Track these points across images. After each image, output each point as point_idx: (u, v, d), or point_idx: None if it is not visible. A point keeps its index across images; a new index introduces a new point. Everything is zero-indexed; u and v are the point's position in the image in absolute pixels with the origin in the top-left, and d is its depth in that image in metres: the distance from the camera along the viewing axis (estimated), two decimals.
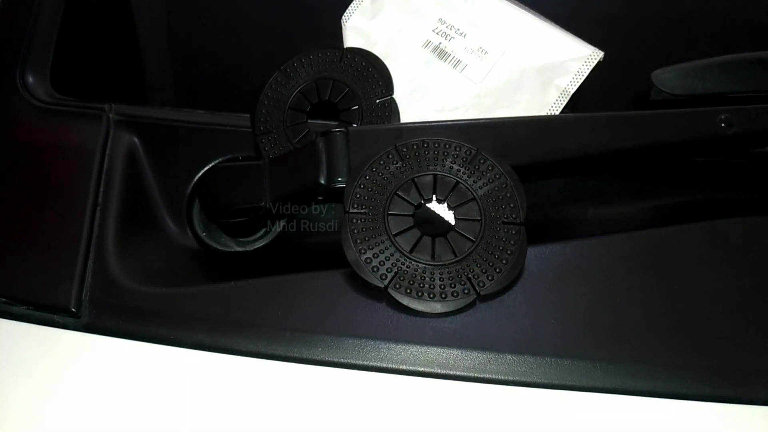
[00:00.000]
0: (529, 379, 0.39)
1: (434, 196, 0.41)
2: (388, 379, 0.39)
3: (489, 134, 0.43)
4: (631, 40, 0.57)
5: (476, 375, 0.39)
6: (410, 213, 0.41)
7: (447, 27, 0.53)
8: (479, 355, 0.39)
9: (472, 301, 0.39)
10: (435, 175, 0.41)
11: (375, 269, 0.39)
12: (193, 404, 0.39)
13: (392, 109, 0.47)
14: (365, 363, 0.39)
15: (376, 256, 0.39)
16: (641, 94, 0.51)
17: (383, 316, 0.40)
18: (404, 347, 0.40)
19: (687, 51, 0.51)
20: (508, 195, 0.41)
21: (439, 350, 0.39)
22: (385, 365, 0.39)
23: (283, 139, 0.46)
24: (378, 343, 0.40)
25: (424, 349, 0.39)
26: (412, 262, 0.39)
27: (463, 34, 0.52)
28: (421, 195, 0.41)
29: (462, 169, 0.41)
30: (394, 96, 0.47)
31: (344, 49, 0.50)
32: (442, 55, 0.52)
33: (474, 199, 0.41)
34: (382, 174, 0.41)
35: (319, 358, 0.40)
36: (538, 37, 0.51)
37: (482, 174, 0.41)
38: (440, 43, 0.52)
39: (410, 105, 0.51)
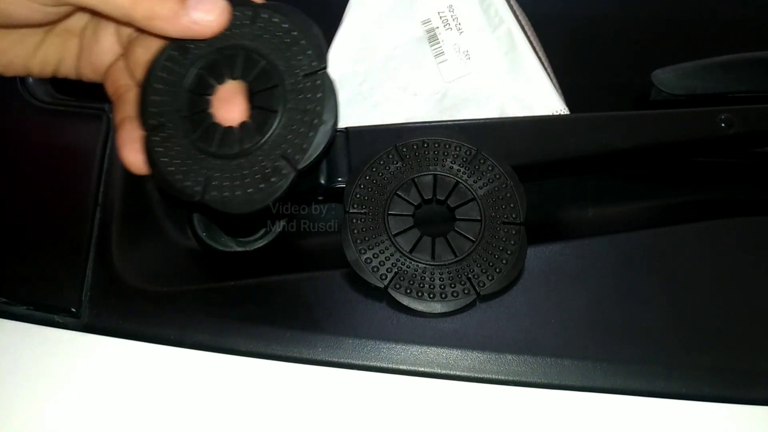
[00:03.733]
0: (529, 379, 0.39)
1: (434, 197, 0.41)
2: (388, 379, 0.39)
3: (489, 134, 0.43)
4: (631, 40, 0.57)
5: (476, 375, 0.39)
6: (410, 213, 0.41)
7: (451, 15, 0.52)
8: (479, 355, 0.39)
9: (472, 301, 0.39)
10: (435, 175, 0.41)
11: (375, 269, 0.39)
12: (194, 404, 0.39)
13: (325, 86, 0.35)
14: (365, 363, 0.39)
15: (376, 256, 0.39)
16: (641, 94, 0.51)
17: (383, 316, 0.40)
18: (404, 347, 0.40)
19: (687, 51, 0.51)
20: (508, 195, 0.41)
21: (439, 350, 0.39)
22: (385, 365, 0.39)
23: (179, 135, 0.35)
24: (378, 343, 0.40)
25: (424, 349, 0.39)
26: (412, 262, 0.39)
27: (460, 30, 0.51)
28: (421, 195, 0.41)
29: (462, 169, 0.41)
30: (327, 69, 0.35)
31: (257, 6, 0.35)
32: (432, 39, 0.51)
33: (474, 199, 0.41)
34: (382, 174, 0.41)
35: (319, 358, 0.39)
36: (522, 69, 0.50)
37: (482, 174, 0.41)
38: (437, 27, 0.51)
39: (382, 72, 0.49)
